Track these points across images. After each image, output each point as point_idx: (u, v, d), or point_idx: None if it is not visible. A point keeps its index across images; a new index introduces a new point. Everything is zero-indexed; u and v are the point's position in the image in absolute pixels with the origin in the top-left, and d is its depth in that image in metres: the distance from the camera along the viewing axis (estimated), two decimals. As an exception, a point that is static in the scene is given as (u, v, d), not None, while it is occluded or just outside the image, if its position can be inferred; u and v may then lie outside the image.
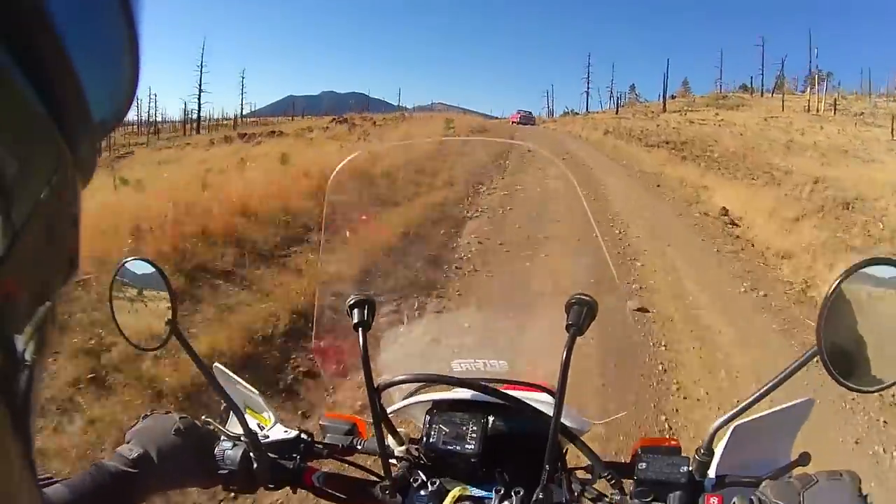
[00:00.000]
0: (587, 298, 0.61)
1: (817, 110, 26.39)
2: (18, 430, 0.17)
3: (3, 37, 0.15)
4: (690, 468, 0.62)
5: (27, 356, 0.17)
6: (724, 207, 7.14)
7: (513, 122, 32.09)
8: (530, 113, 35.84)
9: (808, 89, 32.45)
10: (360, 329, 0.64)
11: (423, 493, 0.64)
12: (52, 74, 0.16)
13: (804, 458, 0.61)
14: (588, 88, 56.04)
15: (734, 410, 0.60)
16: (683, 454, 0.64)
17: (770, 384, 0.58)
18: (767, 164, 11.42)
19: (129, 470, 0.59)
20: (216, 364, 0.74)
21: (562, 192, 0.98)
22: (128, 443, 0.64)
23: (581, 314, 0.60)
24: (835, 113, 24.90)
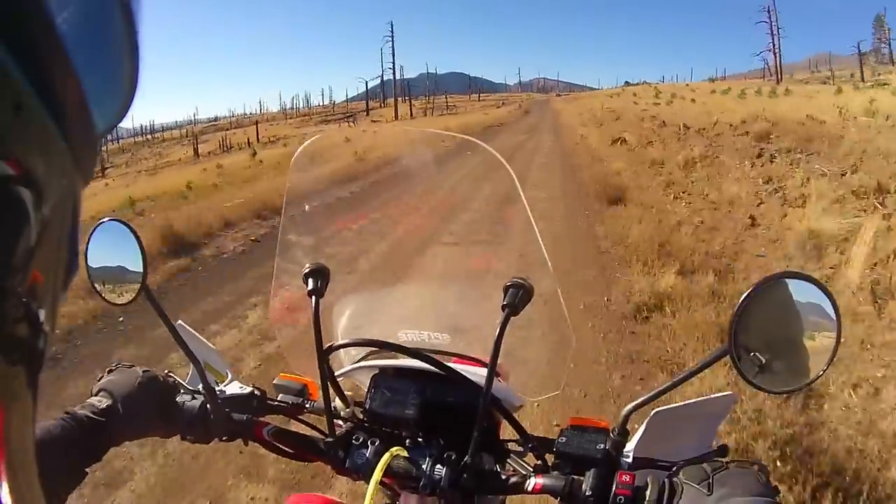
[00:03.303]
0: (523, 282, 0.65)
1: None
2: (31, 390, 0.19)
3: (3, 37, 0.15)
4: (606, 446, 0.64)
5: (46, 320, 0.18)
6: None
7: None
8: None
9: None
10: (313, 296, 0.69)
11: (363, 451, 0.68)
12: (53, 74, 0.16)
13: (722, 450, 0.64)
14: (775, 25, 37.33)
15: (645, 396, 0.62)
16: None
17: (680, 377, 0.61)
18: None
19: (98, 419, 0.65)
20: (179, 322, 0.77)
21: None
22: (96, 394, 0.69)
23: (517, 296, 0.64)
24: None
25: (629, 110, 24.29)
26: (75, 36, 0.17)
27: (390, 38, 52.65)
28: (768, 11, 44.74)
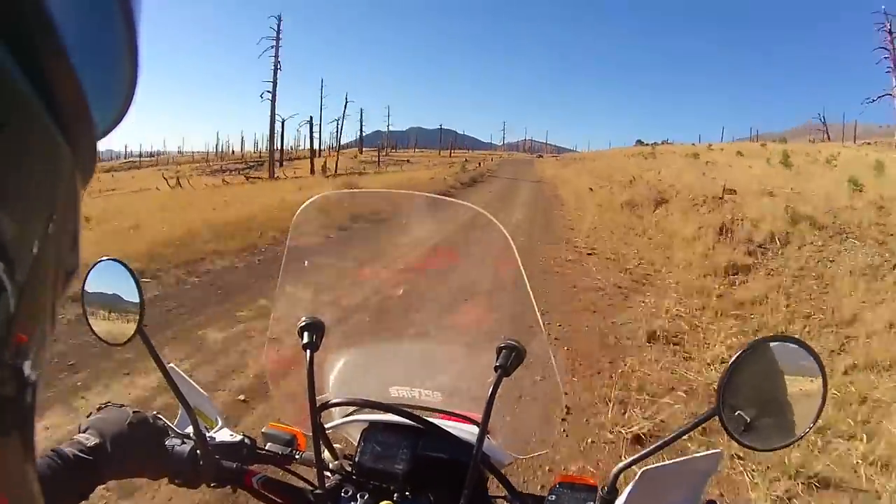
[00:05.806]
0: (515, 344, 0.67)
1: None
2: (24, 442, 0.17)
3: (3, 37, 0.14)
4: None
5: (33, 369, 0.17)
6: None
7: None
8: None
9: None
10: (307, 350, 0.70)
11: None
12: (53, 75, 0.16)
13: None
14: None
15: (635, 456, 0.64)
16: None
17: (670, 437, 0.63)
18: None
19: (85, 457, 0.64)
20: (171, 365, 0.76)
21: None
22: (84, 431, 0.67)
23: (509, 358, 0.66)
24: None
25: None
26: (75, 36, 0.16)
27: (274, 39, 34.01)
28: (890, 32, 26.98)
